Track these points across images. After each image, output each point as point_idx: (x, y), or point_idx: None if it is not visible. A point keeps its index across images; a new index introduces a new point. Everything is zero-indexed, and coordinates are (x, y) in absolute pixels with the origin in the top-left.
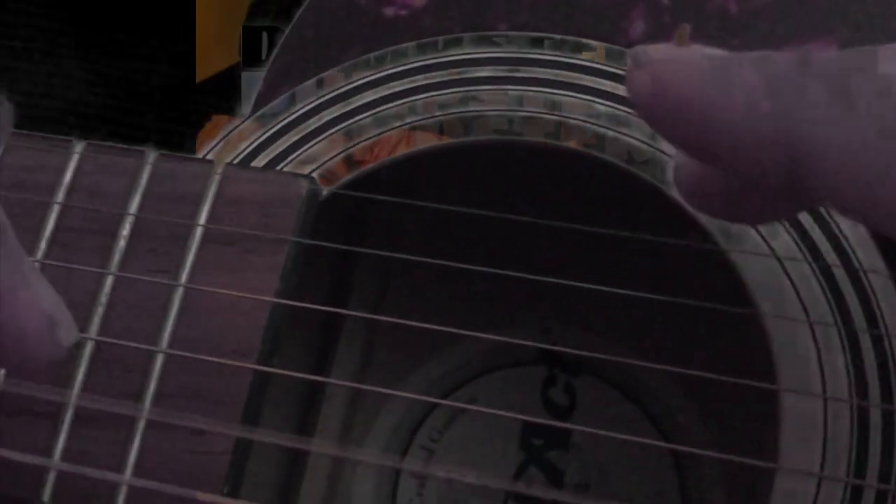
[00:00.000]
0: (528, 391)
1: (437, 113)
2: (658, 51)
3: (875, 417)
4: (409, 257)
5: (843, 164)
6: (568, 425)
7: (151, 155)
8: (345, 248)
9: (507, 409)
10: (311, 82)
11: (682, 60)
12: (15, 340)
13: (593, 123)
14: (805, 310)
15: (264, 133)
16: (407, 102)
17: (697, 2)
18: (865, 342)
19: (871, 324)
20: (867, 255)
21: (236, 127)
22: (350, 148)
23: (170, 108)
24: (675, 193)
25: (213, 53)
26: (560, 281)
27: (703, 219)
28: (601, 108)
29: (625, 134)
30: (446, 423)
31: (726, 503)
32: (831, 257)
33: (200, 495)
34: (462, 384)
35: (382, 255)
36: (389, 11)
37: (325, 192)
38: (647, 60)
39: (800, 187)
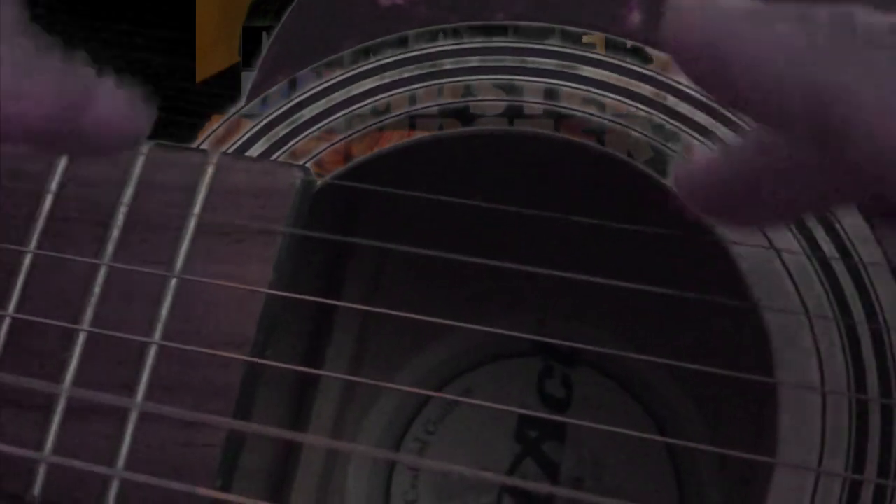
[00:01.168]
0: (524, 382)
1: (435, 102)
2: None
3: (874, 412)
4: (404, 248)
5: (877, 111)
6: (562, 418)
7: (145, 145)
8: (339, 238)
9: (503, 400)
10: (312, 69)
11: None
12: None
13: (591, 115)
14: (803, 303)
15: (257, 124)
16: (405, 92)
17: None
18: (864, 336)
19: (870, 317)
20: (867, 248)
21: (230, 117)
22: (348, 136)
23: (169, 108)
24: (678, 194)
25: (213, 53)
26: (555, 272)
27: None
28: (600, 98)
29: (624, 126)
30: (441, 414)
31: (723, 496)
32: (830, 250)
33: (202, 491)
34: (458, 375)
35: (376, 245)
36: (385, 1)
37: (319, 182)
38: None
39: (826, 140)
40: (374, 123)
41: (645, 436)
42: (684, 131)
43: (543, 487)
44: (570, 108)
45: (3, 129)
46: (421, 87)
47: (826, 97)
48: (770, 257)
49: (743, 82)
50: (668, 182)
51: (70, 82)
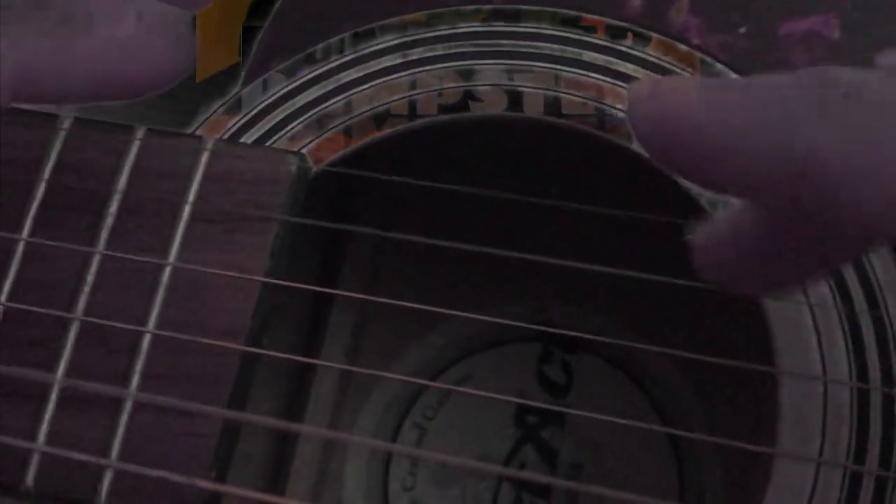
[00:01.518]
0: (524, 368)
1: (435, 87)
2: (646, 85)
3: (875, 401)
4: (401, 236)
5: (841, 165)
6: (561, 408)
7: (140, 131)
8: (335, 226)
9: (503, 386)
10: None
11: (676, 89)
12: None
13: (593, 100)
14: (805, 292)
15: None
16: (407, 75)
17: None
18: (866, 324)
19: (872, 306)
20: None
21: (225, 102)
22: (347, 121)
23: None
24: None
25: (212, 53)
26: (555, 261)
27: (703, 200)
28: (602, 84)
29: (625, 112)
30: (440, 400)
31: (724, 482)
32: None
33: (199, 483)
34: (457, 360)
35: (373, 233)
36: None
37: (315, 169)
38: (642, 95)
39: (808, 205)
40: (371, 108)
41: (645, 426)
42: None
43: (541, 478)
44: (570, 93)
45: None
46: (420, 72)
47: (798, 163)
48: None
49: (705, 159)
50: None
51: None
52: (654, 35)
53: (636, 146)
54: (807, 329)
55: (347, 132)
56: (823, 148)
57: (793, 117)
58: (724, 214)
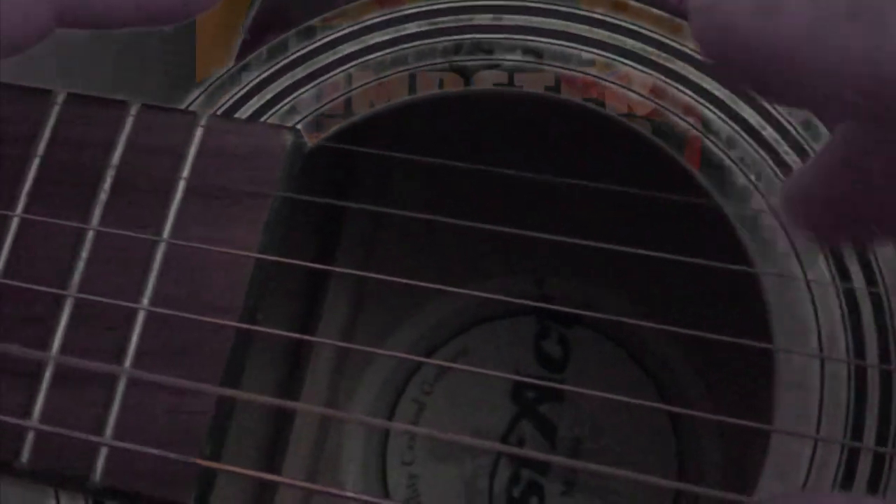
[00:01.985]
0: (521, 343)
1: (439, 60)
2: None
3: (872, 378)
4: (398, 212)
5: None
6: (558, 385)
7: (134, 106)
8: (331, 202)
9: (499, 361)
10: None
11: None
12: None
13: (595, 77)
14: (802, 268)
15: (251, 82)
16: (407, 48)
17: None
18: (864, 301)
19: (870, 282)
20: None
21: (219, 78)
22: (348, 92)
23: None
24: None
25: (212, 53)
26: (553, 237)
27: (700, 176)
28: (604, 60)
29: (625, 87)
30: (437, 375)
31: (722, 457)
32: None
33: (195, 461)
34: (454, 336)
35: (370, 208)
36: None
37: (310, 144)
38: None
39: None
40: (375, 80)
41: (643, 403)
42: (683, 92)
43: (539, 455)
44: (572, 69)
45: None
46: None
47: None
48: (768, 220)
49: (774, 69)
50: (666, 145)
51: None
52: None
53: (639, 125)
54: (804, 306)
55: (347, 106)
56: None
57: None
58: (808, 161)
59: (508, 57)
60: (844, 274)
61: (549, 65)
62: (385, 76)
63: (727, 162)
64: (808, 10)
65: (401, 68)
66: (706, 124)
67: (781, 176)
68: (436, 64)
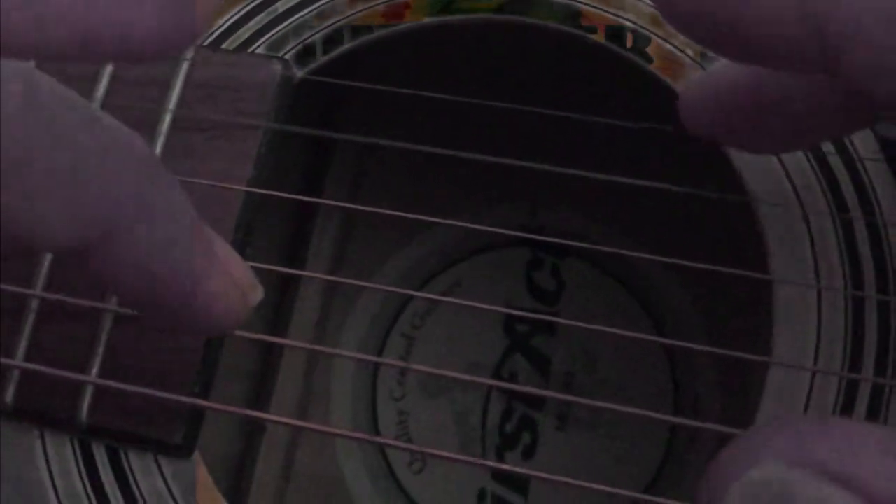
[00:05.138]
0: (513, 275)
1: None
2: None
3: (870, 308)
4: (388, 142)
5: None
6: (551, 318)
7: None
8: (319, 133)
9: (491, 294)
10: None
11: None
12: (210, 320)
13: (583, 3)
14: (798, 198)
15: (236, 13)
16: None
17: None
18: (861, 231)
19: (867, 212)
20: (863, 140)
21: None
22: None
23: None
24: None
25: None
26: (545, 167)
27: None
28: None
29: (619, 16)
30: (428, 308)
31: (719, 391)
32: (826, 144)
33: (183, 399)
34: (445, 268)
35: (359, 140)
36: None
37: (299, 75)
38: None
39: (824, 60)
40: (367, 7)
41: (639, 336)
42: None
43: (533, 390)
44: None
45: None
46: None
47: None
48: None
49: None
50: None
51: None
52: None
53: (630, 54)
54: (801, 236)
55: (330, 38)
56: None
57: None
58: (719, 67)
59: None
60: (842, 205)
61: None
62: (376, 4)
63: None
64: None
65: None
66: (703, 54)
67: None
68: None
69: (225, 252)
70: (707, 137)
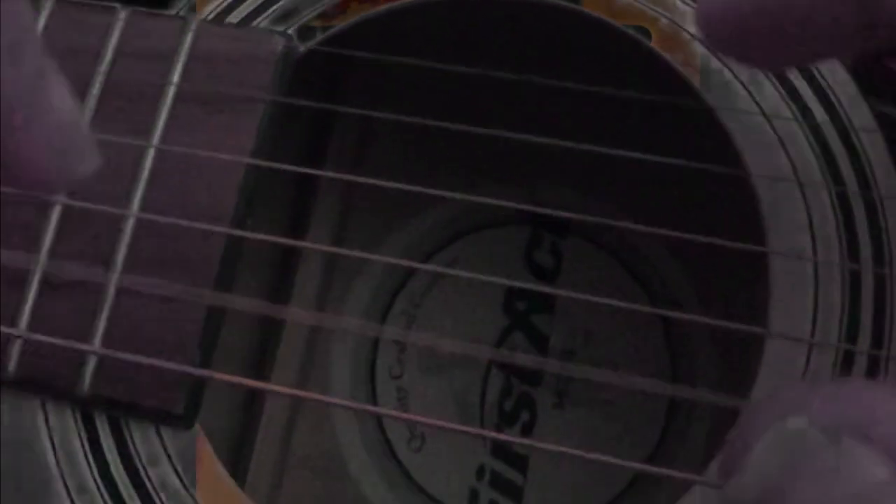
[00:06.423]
0: (512, 252)
1: None
2: None
3: (867, 281)
4: (389, 116)
5: None
6: (551, 290)
7: (123, 11)
8: (322, 106)
9: (490, 271)
10: None
11: None
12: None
13: None
14: (795, 170)
15: None
16: None
17: None
18: (857, 204)
19: (863, 185)
20: (858, 113)
21: None
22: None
23: None
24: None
25: None
26: (545, 140)
27: (694, 80)
28: None
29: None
30: (427, 286)
31: (716, 367)
32: (821, 114)
33: (184, 368)
34: (444, 245)
35: (361, 113)
36: None
37: (302, 48)
38: None
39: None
40: None
41: (636, 307)
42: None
43: (532, 360)
44: None
45: None
46: None
47: None
48: (761, 123)
49: None
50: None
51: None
52: None
53: (626, 27)
54: (797, 208)
55: (340, 10)
56: None
57: None
58: None
59: None
60: (837, 177)
61: None
62: None
63: (727, 76)
64: None
65: None
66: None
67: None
68: None
69: (62, 104)
70: (721, 46)
